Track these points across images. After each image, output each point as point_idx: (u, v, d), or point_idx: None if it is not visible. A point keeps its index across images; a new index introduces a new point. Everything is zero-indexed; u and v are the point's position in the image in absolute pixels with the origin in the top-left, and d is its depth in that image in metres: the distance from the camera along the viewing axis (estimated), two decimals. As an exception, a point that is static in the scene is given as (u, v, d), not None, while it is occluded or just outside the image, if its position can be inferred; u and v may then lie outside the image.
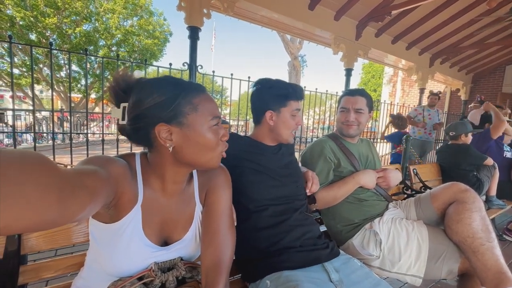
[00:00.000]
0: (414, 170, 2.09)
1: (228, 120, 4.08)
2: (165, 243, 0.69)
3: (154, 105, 0.57)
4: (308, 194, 1.07)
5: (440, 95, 4.56)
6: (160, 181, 0.66)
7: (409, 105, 6.20)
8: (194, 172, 0.75)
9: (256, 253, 0.89)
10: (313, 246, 0.89)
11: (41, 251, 0.76)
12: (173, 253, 0.69)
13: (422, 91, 5.55)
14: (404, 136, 2.40)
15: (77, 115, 9.09)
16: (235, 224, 0.82)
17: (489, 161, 2.30)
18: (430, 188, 2.05)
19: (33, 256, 1.18)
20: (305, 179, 1.07)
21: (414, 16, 4.04)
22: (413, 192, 1.98)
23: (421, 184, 2.09)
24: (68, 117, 9.95)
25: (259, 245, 0.89)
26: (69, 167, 2.61)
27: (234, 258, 0.75)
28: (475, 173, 2.30)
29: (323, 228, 1.29)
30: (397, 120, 4.06)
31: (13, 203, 0.28)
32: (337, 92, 4.64)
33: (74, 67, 11.81)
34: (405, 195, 1.87)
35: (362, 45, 4.23)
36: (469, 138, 2.41)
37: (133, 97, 0.58)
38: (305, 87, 3.91)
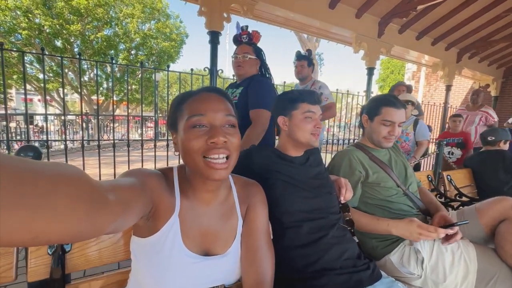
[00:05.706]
0: (448, 177, 1.98)
1: None
2: (206, 255, 0.66)
3: (167, 118, 0.69)
4: (342, 202, 1.02)
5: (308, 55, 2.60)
6: (193, 189, 0.66)
7: (434, 103, 5.89)
8: (232, 183, 0.75)
9: (293, 273, 0.86)
10: (353, 268, 0.85)
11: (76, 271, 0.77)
12: (214, 268, 0.65)
13: (448, 88, 5.25)
14: (437, 141, 2.27)
15: (100, 117, 9.48)
16: (271, 238, 0.80)
17: None
18: (467, 196, 1.94)
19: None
20: (338, 186, 1.02)
21: (441, 10, 3.82)
22: (447, 200, 1.87)
23: (455, 192, 1.97)
24: (91, 120, 10.37)
25: (295, 264, 0.86)
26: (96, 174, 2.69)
27: None
28: None
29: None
30: None
31: (41, 214, 0.27)
32: (358, 92, 4.51)
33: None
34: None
35: (385, 43, 4.06)
36: (506, 146, 2.29)
37: None
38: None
